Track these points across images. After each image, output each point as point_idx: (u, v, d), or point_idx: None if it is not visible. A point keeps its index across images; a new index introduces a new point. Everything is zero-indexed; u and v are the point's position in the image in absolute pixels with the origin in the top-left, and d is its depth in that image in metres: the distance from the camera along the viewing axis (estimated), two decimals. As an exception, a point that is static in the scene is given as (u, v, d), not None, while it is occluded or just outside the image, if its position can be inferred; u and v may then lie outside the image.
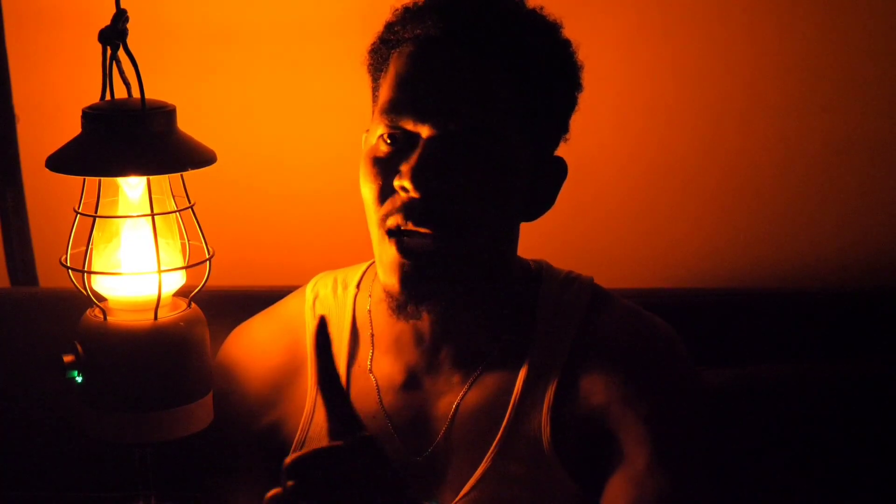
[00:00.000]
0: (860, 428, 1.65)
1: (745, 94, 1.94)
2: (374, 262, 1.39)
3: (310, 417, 1.42)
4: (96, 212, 1.29)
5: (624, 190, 1.99)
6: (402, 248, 1.30)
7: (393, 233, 1.31)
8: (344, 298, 1.47)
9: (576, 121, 1.40)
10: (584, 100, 1.39)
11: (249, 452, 1.43)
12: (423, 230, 1.29)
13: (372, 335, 1.44)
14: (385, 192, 1.31)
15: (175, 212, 1.31)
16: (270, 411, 1.44)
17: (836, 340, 1.74)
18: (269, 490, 1.14)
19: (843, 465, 1.63)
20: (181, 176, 1.30)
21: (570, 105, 1.38)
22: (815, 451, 1.64)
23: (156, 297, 1.28)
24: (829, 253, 1.98)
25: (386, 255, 1.32)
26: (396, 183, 1.29)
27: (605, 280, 1.46)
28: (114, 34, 1.26)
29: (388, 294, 1.34)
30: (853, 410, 1.66)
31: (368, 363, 1.43)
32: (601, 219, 2.00)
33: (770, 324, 1.77)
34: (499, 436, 1.36)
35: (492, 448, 1.35)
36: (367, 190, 1.33)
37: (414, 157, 1.28)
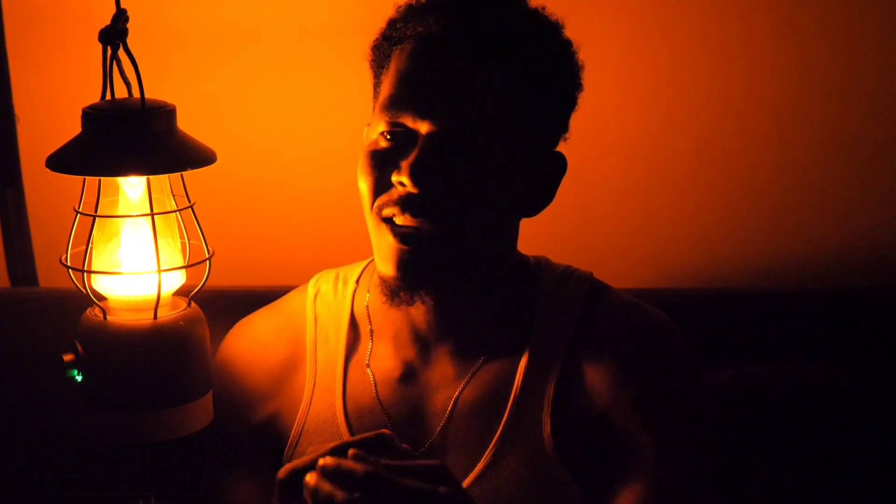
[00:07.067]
0: (860, 428, 1.65)
1: (743, 93, 1.94)
2: (374, 259, 1.39)
3: (306, 410, 1.42)
4: (96, 211, 1.29)
5: (622, 188, 1.99)
6: (398, 234, 1.31)
7: (388, 220, 1.31)
8: (343, 294, 1.47)
9: (575, 118, 1.40)
10: (583, 98, 1.39)
11: (248, 443, 1.44)
12: (419, 221, 1.29)
13: (371, 330, 1.44)
14: (382, 185, 1.32)
15: (175, 211, 1.31)
16: (269, 404, 1.45)
17: (836, 340, 1.74)
18: (265, 480, 1.16)
19: (843, 465, 1.63)
20: (181, 175, 1.30)
21: (569, 105, 1.38)
22: (816, 451, 1.64)
23: (155, 296, 1.28)
24: (829, 252, 1.98)
25: (383, 241, 1.32)
26: (395, 178, 1.30)
27: (603, 278, 1.46)
28: (114, 34, 1.26)
29: (383, 280, 1.34)
30: (853, 410, 1.66)
31: (366, 358, 1.43)
32: (599, 217, 2.00)
33: (770, 324, 1.77)
34: (499, 431, 1.36)
35: (492, 443, 1.35)
36: (364, 183, 1.33)
37: (413, 154, 1.29)
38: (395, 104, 1.31)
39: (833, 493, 1.63)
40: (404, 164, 1.29)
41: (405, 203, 1.29)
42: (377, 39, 1.38)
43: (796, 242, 1.99)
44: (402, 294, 1.33)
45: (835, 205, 1.97)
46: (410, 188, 1.28)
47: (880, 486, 1.64)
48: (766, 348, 1.74)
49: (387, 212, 1.31)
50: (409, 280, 1.32)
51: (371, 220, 1.34)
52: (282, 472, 1.18)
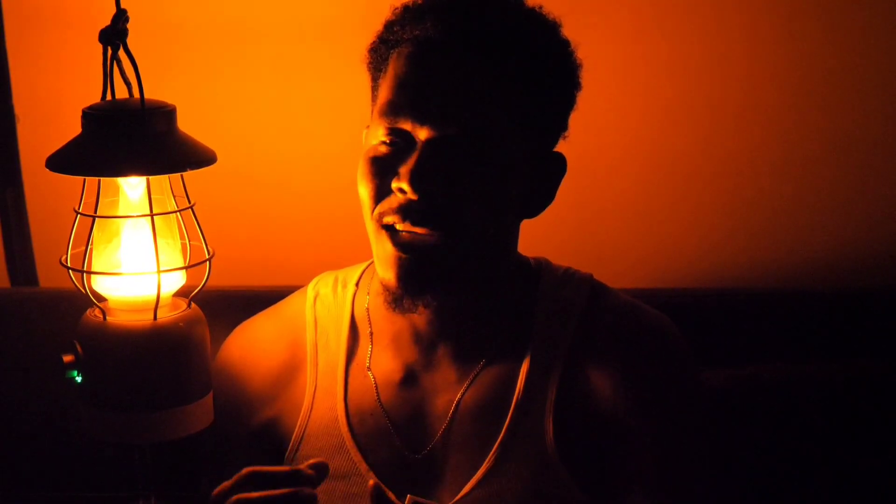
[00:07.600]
0: (860, 428, 1.65)
1: (743, 92, 1.94)
2: (373, 261, 1.39)
3: (308, 414, 1.42)
4: (96, 212, 1.28)
5: (622, 188, 1.99)
6: (398, 243, 1.31)
7: (388, 227, 1.31)
8: (343, 296, 1.47)
9: (574, 118, 1.40)
10: (583, 98, 1.39)
11: (248, 447, 1.44)
12: (419, 230, 1.30)
13: (371, 333, 1.44)
14: (382, 192, 1.32)
15: (175, 212, 1.31)
16: (270, 407, 1.45)
17: (836, 340, 1.74)
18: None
19: (843, 465, 1.63)
20: (181, 176, 1.29)
21: (568, 104, 1.38)
22: (815, 450, 1.64)
23: (155, 297, 1.28)
24: (829, 252, 1.98)
25: (383, 250, 1.32)
26: (394, 185, 1.29)
27: (603, 278, 1.46)
28: (114, 34, 1.26)
29: (385, 288, 1.34)
30: (853, 410, 1.66)
31: (367, 361, 1.43)
32: (599, 217, 2.00)
33: (770, 324, 1.77)
34: (502, 434, 1.36)
35: (495, 447, 1.35)
36: (364, 189, 1.33)
37: (412, 160, 1.29)
38: (394, 110, 1.31)
39: (833, 493, 1.63)
40: (403, 171, 1.29)
41: (406, 211, 1.29)
42: (374, 42, 1.37)
43: (796, 242, 1.98)
44: (405, 302, 1.33)
45: (835, 205, 1.97)
46: (410, 195, 1.28)
47: (880, 486, 1.64)
48: (766, 348, 1.73)
49: (388, 220, 1.31)
50: (410, 288, 1.32)
51: (371, 227, 1.34)
52: (215, 492, 1.24)
